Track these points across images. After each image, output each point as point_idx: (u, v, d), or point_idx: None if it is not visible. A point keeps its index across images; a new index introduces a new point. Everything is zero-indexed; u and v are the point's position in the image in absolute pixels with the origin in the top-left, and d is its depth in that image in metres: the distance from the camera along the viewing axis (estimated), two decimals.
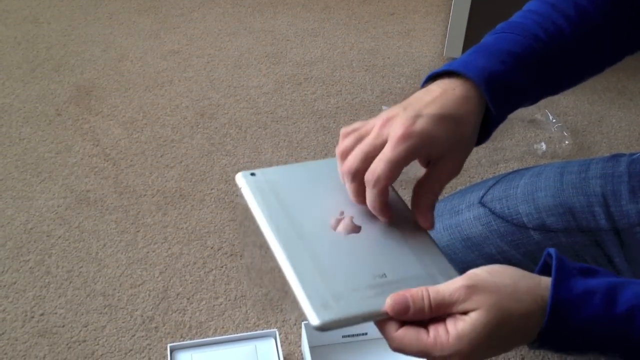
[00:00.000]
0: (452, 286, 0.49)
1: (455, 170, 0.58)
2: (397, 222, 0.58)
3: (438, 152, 0.56)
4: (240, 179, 0.60)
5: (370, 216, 0.58)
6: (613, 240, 0.74)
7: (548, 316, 0.48)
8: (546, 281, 0.49)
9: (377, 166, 0.54)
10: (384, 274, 0.53)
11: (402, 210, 0.59)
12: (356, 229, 0.57)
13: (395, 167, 0.54)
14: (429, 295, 0.49)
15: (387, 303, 0.49)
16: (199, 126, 1.43)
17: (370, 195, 0.55)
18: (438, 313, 0.49)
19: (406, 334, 0.49)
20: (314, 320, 0.49)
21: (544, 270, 0.52)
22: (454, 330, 0.48)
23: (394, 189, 0.61)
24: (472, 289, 0.48)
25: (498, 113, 0.60)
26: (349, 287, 0.51)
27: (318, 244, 0.55)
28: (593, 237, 0.75)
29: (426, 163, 0.58)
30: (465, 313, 0.48)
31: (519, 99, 0.63)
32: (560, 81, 0.67)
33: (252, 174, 0.61)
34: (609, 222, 0.74)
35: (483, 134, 0.61)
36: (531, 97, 0.64)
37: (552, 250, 0.51)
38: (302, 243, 0.55)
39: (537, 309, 0.49)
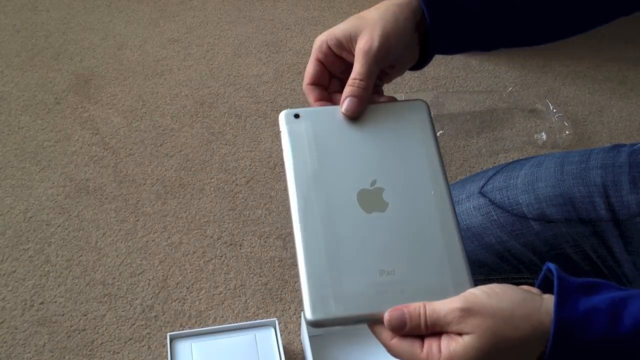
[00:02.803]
0: (447, 306, 0.48)
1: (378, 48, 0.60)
2: (429, 211, 0.54)
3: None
4: (282, 121, 0.57)
5: (402, 194, 0.54)
6: (613, 231, 0.74)
7: (552, 342, 0.47)
8: (546, 306, 0.48)
9: (321, 40, 0.61)
10: (393, 270, 0.51)
11: (443, 201, 0.55)
12: (382, 206, 0.54)
13: (334, 43, 0.61)
14: (425, 313, 0.49)
15: (385, 317, 0.49)
16: (199, 115, 1.43)
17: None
18: (434, 330, 0.49)
19: (400, 344, 0.49)
20: (309, 315, 0.49)
21: (544, 284, 0.51)
22: (446, 350, 0.48)
23: (446, 180, 0.57)
24: (467, 312, 0.48)
25: (435, 24, 0.60)
26: (352, 283, 0.50)
27: (338, 221, 0.52)
28: (593, 227, 0.75)
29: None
30: (460, 334, 0.48)
31: (462, 18, 0.62)
32: (518, 19, 0.65)
33: (296, 116, 0.58)
34: (610, 213, 0.74)
35: (425, 55, 0.63)
36: (481, 25, 0.63)
37: (552, 267, 0.50)
38: (322, 217, 0.52)
39: (534, 335, 0.48)
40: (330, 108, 0.60)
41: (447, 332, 0.49)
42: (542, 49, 1.66)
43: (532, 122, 1.46)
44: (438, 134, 1.40)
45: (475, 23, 0.63)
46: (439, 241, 0.53)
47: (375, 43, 0.60)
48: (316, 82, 0.65)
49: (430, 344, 0.48)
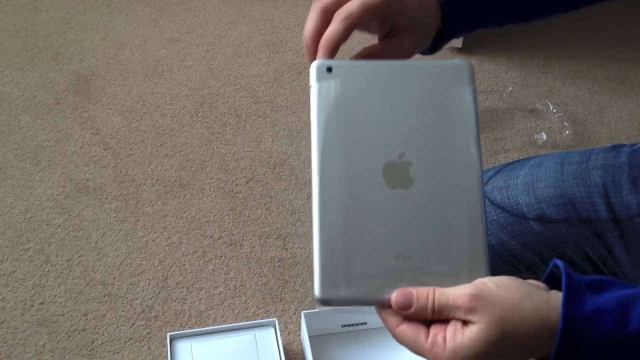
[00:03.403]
0: (458, 292, 0.48)
1: (411, 48, 0.58)
2: (456, 194, 0.51)
3: (405, 17, 0.57)
4: (313, 75, 0.53)
5: (430, 171, 0.51)
6: (613, 231, 0.74)
7: (559, 340, 0.47)
8: (554, 301, 0.48)
9: (352, 4, 0.54)
10: (409, 256, 0.50)
11: (472, 184, 0.52)
12: (407, 182, 0.51)
13: (369, 10, 0.54)
14: (434, 297, 0.48)
15: (392, 296, 0.49)
16: (199, 115, 1.43)
17: (332, 27, 0.54)
18: (440, 316, 0.48)
19: (406, 330, 0.49)
20: (318, 293, 0.48)
21: (550, 280, 0.51)
22: (451, 342, 0.47)
23: (480, 161, 0.53)
24: (476, 299, 0.47)
25: (449, 9, 0.59)
26: (366, 264, 0.49)
27: (359, 195, 0.50)
28: (593, 227, 0.75)
29: (385, 33, 0.59)
30: (466, 324, 0.48)
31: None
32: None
33: (329, 69, 0.53)
34: (610, 213, 0.74)
35: (438, 41, 0.62)
36: (494, 6, 0.63)
37: (559, 263, 0.50)
38: (343, 189, 0.50)
39: (542, 329, 0.47)
40: (367, 63, 0.55)
41: (454, 319, 0.48)
42: (542, 49, 1.66)
43: (532, 122, 1.46)
44: None
45: (487, 5, 0.62)
46: (462, 228, 0.51)
47: (410, 52, 0.59)
48: (319, 37, 0.58)
49: (436, 334, 0.48)
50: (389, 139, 0.52)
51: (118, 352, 1.01)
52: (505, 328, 0.47)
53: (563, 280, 0.48)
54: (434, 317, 0.49)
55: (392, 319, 0.49)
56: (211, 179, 1.29)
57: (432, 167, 0.51)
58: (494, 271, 0.85)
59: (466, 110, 0.54)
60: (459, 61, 0.55)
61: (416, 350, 0.49)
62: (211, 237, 1.18)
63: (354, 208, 0.50)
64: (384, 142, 0.52)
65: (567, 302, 0.47)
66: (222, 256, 1.15)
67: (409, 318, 0.49)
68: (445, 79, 0.55)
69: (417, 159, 0.51)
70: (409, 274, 0.50)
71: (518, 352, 0.48)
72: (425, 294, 0.48)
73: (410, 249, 0.50)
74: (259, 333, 0.99)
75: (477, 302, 0.47)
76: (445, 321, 0.49)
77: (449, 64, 0.55)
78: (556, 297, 0.48)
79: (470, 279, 0.50)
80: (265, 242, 1.18)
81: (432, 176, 0.51)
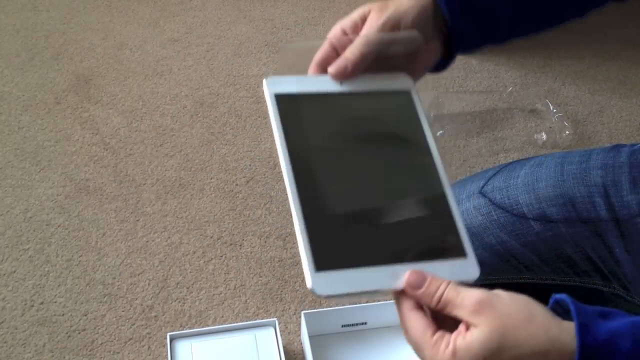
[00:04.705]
0: (469, 293, 0.48)
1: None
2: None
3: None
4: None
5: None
6: (613, 231, 0.74)
7: None
8: (568, 326, 0.47)
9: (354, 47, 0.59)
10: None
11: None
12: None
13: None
14: (445, 288, 0.48)
15: (407, 274, 0.49)
16: (199, 115, 1.43)
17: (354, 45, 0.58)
18: (443, 309, 0.48)
19: (418, 319, 0.48)
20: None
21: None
22: (452, 343, 0.47)
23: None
24: (483, 304, 0.47)
25: (454, 22, 0.61)
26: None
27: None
28: (593, 227, 0.75)
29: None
30: (468, 327, 0.47)
31: (479, 13, 0.62)
32: (535, 8, 0.66)
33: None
34: (610, 213, 0.74)
35: (447, 57, 0.65)
36: (500, 19, 0.64)
37: (562, 296, 0.49)
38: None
39: (551, 349, 0.47)
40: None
41: (457, 319, 0.48)
42: (542, 49, 1.66)
43: (532, 122, 1.46)
44: (438, 134, 1.40)
45: (490, 16, 0.63)
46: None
47: (384, 13, 0.60)
48: (324, 64, 0.63)
49: (443, 334, 0.48)
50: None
51: (118, 352, 1.01)
52: (507, 338, 0.46)
53: (572, 309, 0.48)
54: (437, 308, 0.48)
55: (408, 302, 0.49)
56: (211, 179, 1.29)
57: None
58: (494, 271, 0.85)
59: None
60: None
61: (417, 342, 0.48)
62: (211, 237, 1.18)
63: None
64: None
65: (582, 328, 0.46)
66: (222, 256, 1.15)
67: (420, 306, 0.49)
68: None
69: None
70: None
71: None
72: (438, 283, 0.49)
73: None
74: (259, 333, 0.99)
75: (483, 307, 0.47)
76: (455, 323, 0.48)
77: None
78: (569, 324, 0.47)
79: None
80: (265, 242, 1.18)
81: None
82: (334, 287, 0.48)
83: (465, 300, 0.47)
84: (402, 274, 0.49)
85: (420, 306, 0.49)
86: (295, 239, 0.50)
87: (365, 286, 0.48)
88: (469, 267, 0.52)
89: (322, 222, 0.50)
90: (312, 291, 0.47)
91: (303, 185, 0.52)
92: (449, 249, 0.52)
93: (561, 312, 0.49)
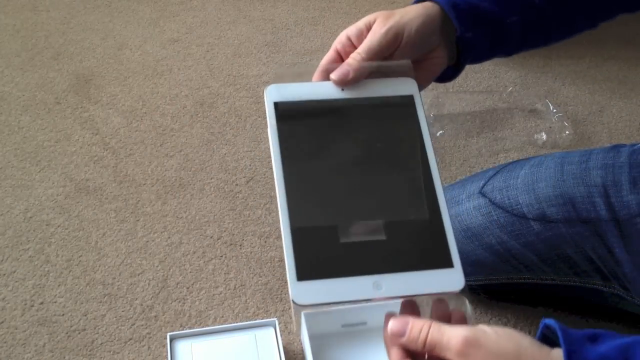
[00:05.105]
0: (454, 332, 0.47)
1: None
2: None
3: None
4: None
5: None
6: (613, 231, 0.74)
7: None
8: (557, 354, 0.47)
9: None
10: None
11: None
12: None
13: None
14: (428, 330, 0.47)
15: (389, 324, 0.48)
16: (199, 115, 1.43)
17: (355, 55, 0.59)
18: (432, 352, 0.47)
19: (399, 356, 0.48)
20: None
21: (543, 341, 0.50)
22: None
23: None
24: (470, 344, 0.46)
25: (463, 33, 0.61)
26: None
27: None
28: (593, 227, 0.75)
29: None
30: None
31: (488, 25, 0.63)
32: (543, 21, 0.66)
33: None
34: (610, 213, 0.74)
35: (457, 66, 0.65)
36: (510, 31, 0.64)
37: (550, 322, 0.49)
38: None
39: None
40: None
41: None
42: (542, 49, 1.66)
43: (532, 122, 1.46)
44: (438, 134, 1.40)
45: (501, 29, 0.63)
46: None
47: (389, 22, 0.60)
48: (329, 70, 0.64)
49: None
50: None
51: (118, 352, 1.01)
52: None
53: (559, 335, 0.47)
54: (425, 352, 0.48)
55: (396, 352, 0.49)
56: (211, 179, 1.29)
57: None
58: (494, 271, 0.85)
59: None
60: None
61: None
62: (211, 237, 1.18)
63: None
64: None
65: (570, 355, 0.46)
66: (222, 256, 1.15)
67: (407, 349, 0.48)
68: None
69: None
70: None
71: None
72: (420, 326, 0.48)
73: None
74: (259, 333, 0.99)
75: (470, 348, 0.46)
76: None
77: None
78: (558, 354, 0.47)
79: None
80: (265, 242, 1.18)
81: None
82: (314, 297, 0.48)
83: (452, 341, 0.47)
84: (383, 284, 0.49)
85: (410, 354, 0.48)
86: None
87: (345, 296, 0.48)
88: (455, 277, 0.51)
89: (308, 233, 0.50)
90: (292, 301, 0.48)
91: (293, 197, 0.53)
92: (435, 259, 0.51)
93: (552, 336, 0.49)
